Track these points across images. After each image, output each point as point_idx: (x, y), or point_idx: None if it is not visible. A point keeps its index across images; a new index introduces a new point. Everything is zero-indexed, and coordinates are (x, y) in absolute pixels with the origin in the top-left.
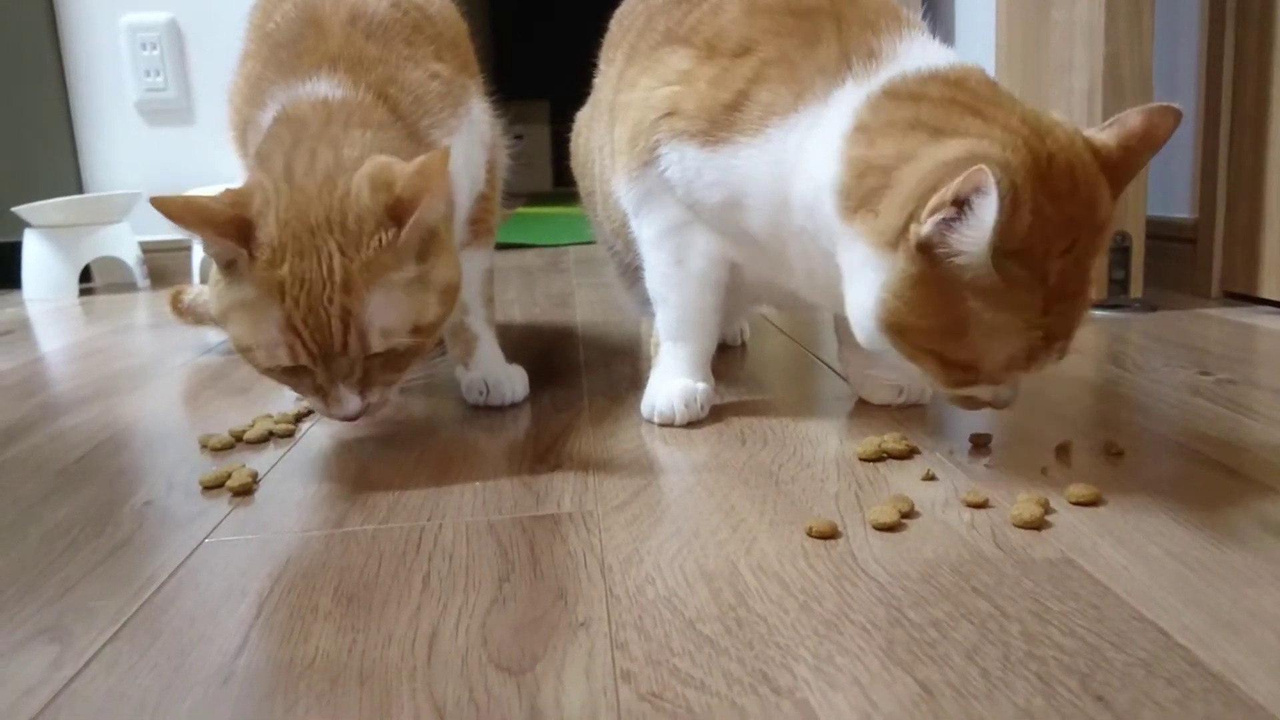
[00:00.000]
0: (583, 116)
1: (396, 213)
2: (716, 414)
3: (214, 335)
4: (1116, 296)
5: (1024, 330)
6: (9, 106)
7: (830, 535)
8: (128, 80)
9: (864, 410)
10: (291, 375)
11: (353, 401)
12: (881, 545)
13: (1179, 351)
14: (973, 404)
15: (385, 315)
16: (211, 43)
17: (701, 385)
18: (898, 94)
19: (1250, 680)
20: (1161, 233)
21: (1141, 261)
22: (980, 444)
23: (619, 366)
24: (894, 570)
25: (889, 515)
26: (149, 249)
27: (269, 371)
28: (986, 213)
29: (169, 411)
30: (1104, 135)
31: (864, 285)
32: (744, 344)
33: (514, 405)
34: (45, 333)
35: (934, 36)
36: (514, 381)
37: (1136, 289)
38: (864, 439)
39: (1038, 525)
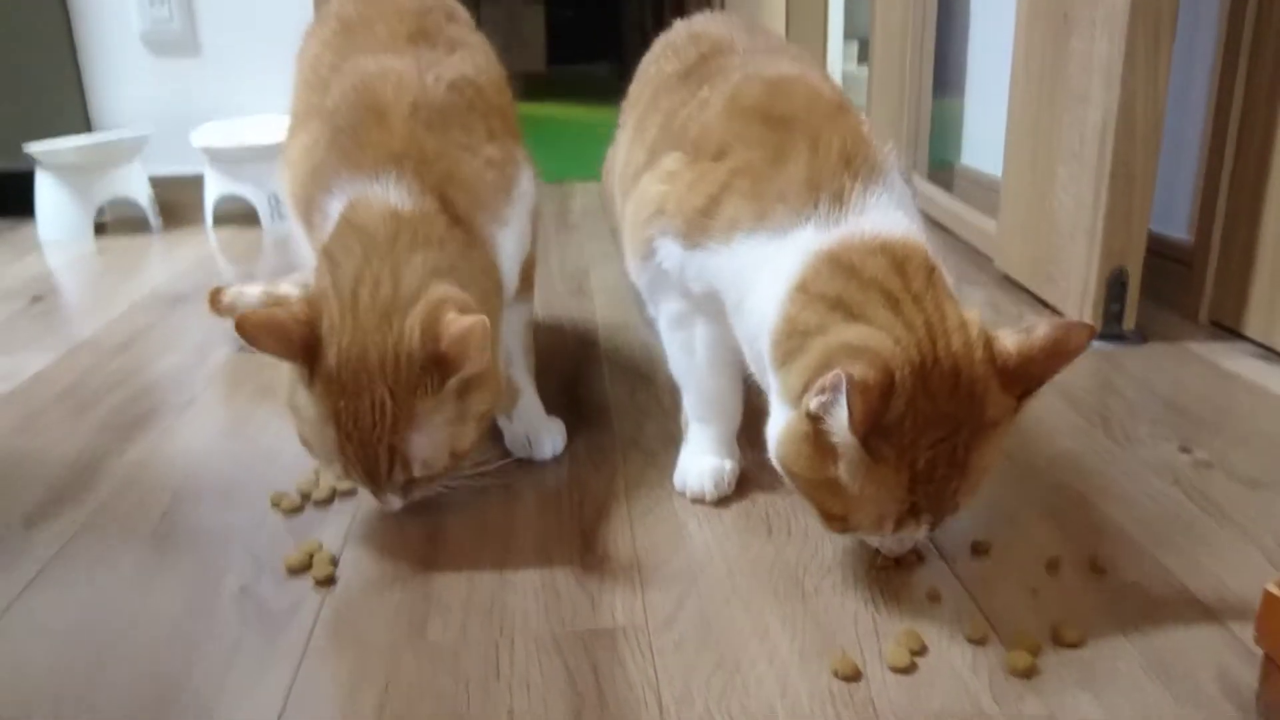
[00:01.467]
0: (610, 157)
1: (441, 366)
2: (743, 486)
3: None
4: (1112, 327)
5: (888, 502)
6: (13, 40)
7: (853, 677)
8: (132, 11)
9: None
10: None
11: (396, 504)
12: (897, 690)
13: (1162, 410)
14: (868, 544)
15: (426, 449)
16: None
17: (729, 464)
18: (840, 263)
19: None
20: (1160, 250)
21: (1137, 297)
22: (980, 550)
23: (645, 401)
24: None
25: (903, 658)
26: (158, 183)
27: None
28: (842, 409)
29: (230, 443)
30: (1009, 342)
31: (775, 422)
32: None
33: (555, 458)
34: (74, 301)
35: (897, 179)
36: (554, 436)
37: (1130, 321)
38: None
39: (1029, 674)
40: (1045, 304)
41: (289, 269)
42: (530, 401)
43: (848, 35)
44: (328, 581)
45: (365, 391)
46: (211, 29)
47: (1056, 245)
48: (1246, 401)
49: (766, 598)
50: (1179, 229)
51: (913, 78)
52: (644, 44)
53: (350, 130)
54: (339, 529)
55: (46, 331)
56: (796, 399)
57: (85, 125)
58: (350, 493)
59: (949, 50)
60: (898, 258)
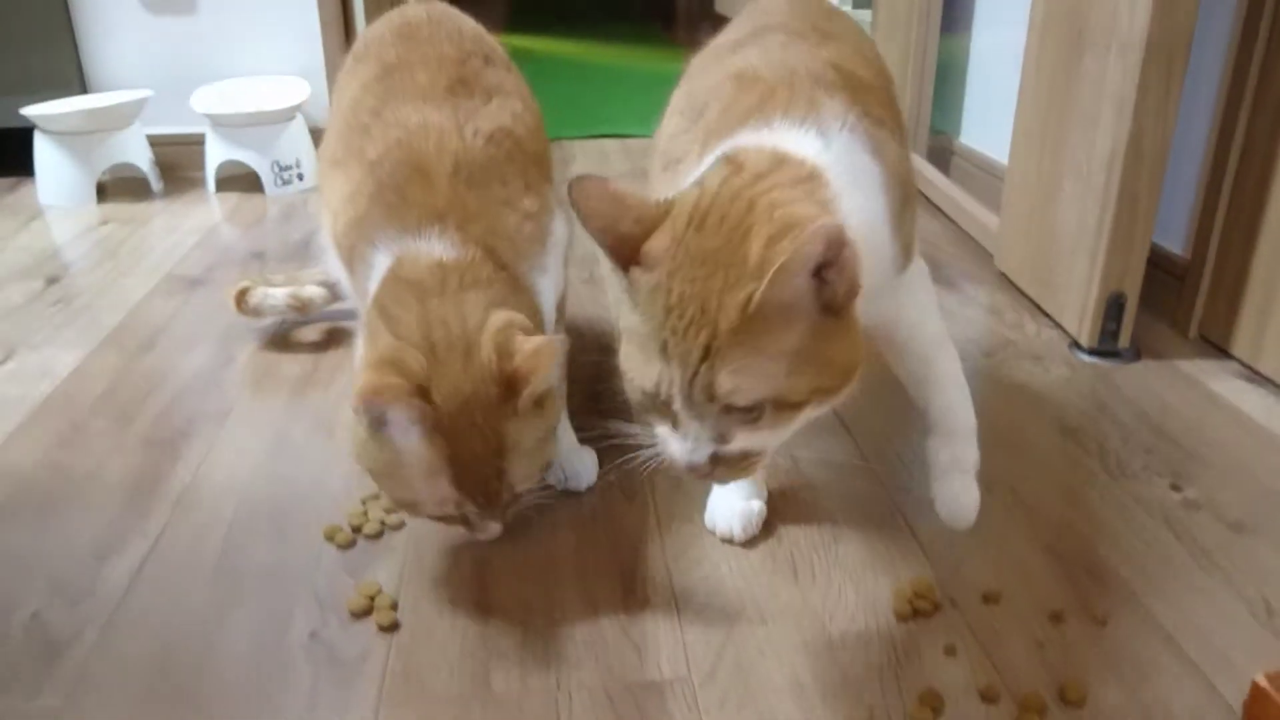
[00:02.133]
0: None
1: (515, 384)
2: (770, 523)
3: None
4: (1108, 344)
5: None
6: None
7: None
8: None
9: (886, 532)
10: (442, 518)
11: (497, 529)
12: None
13: (1154, 439)
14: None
15: (525, 466)
16: None
17: (756, 505)
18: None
19: None
20: (1156, 261)
21: (1133, 318)
22: (991, 599)
23: None
24: None
25: (926, 717)
26: (157, 142)
27: (412, 510)
28: None
29: (274, 466)
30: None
31: None
32: None
33: (589, 488)
34: (89, 284)
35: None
36: (587, 467)
37: (1125, 340)
38: (895, 582)
39: None
40: (1044, 312)
41: (295, 241)
42: (564, 431)
43: None
44: (392, 628)
45: (471, 428)
46: None
47: (1057, 258)
48: (1232, 432)
49: (798, 649)
50: (1176, 242)
51: (915, 62)
52: None
53: (394, 187)
54: (393, 566)
55: (68, 322)
56: None
57: (80, 84)
58: (398, 525)
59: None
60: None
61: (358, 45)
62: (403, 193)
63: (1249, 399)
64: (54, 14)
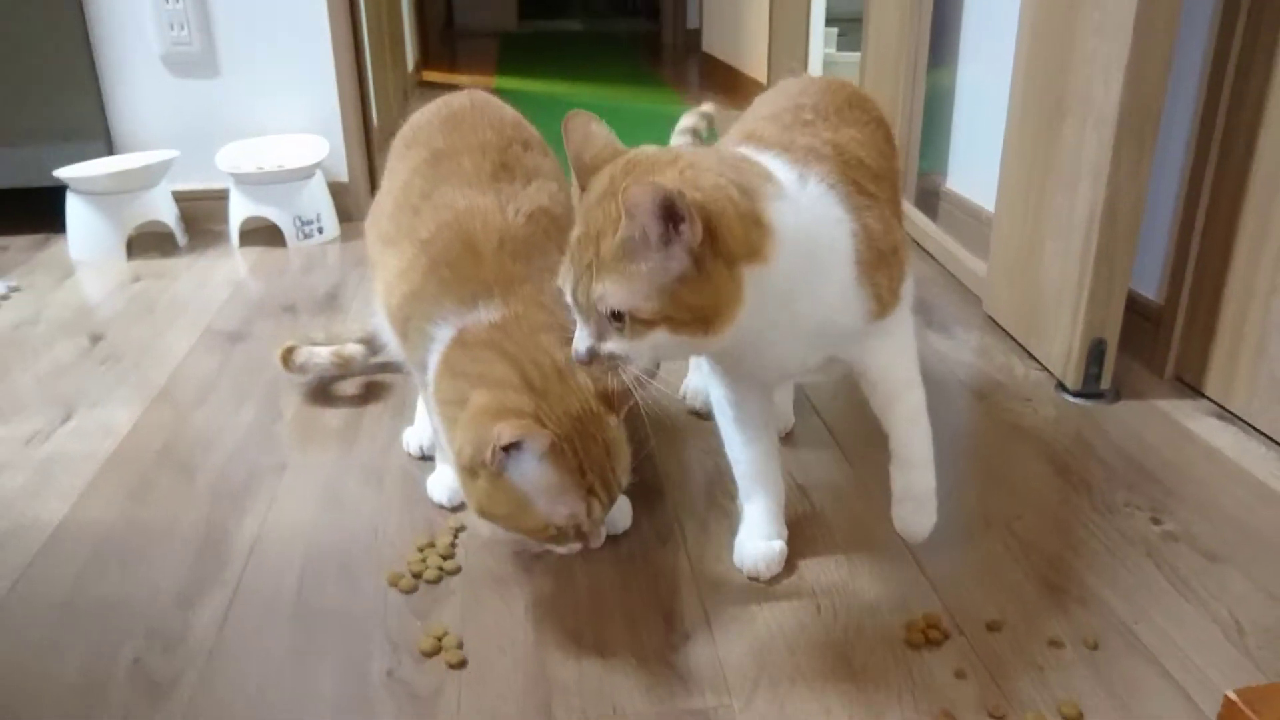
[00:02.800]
0: None
1: (610, 397)
2: (791, 561)
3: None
4: (1091, 386)
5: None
6: (38, 63)
7: None
8: (152, 35)
9: (896, 567)
10: (561, 534)
11: (604, 533)
12: None
13: (1135, 476)
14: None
15: (626, 466)
16: None
17: (778, 545)
18: None
19: None
20: (1134, 307)
21: (1113, 361)
22: (994, 628)
23: (690, 464)
24: None
25: None
26: (182, 198)
27: (539, 534)
28: None
29: (334, 516)
30: None
31: None
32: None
33: (624, 531)
34: (132, 341)
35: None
36: (624, 513)
37: (1107, 382)
38: (906, 616)
39: None
40: (1031, 355)
41: (321, 294)
42: None
43: (828, 21)
44: (460, 665)
45: (585, 440)
46: (230, 50)
47: (1042, 307)
48: (1206, 467)
49: (825, 676)
50: (1151, 290)
51: (904, 104)
52: (612, 1)
53: (447, 263)
54: (454, 608)
55: (119, 380)
56: None
57: (108, 144)
58: (455, 571)
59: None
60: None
61: (406, 132)
62: (455, 268)
63: (1221, 436)
64: (84, 80)
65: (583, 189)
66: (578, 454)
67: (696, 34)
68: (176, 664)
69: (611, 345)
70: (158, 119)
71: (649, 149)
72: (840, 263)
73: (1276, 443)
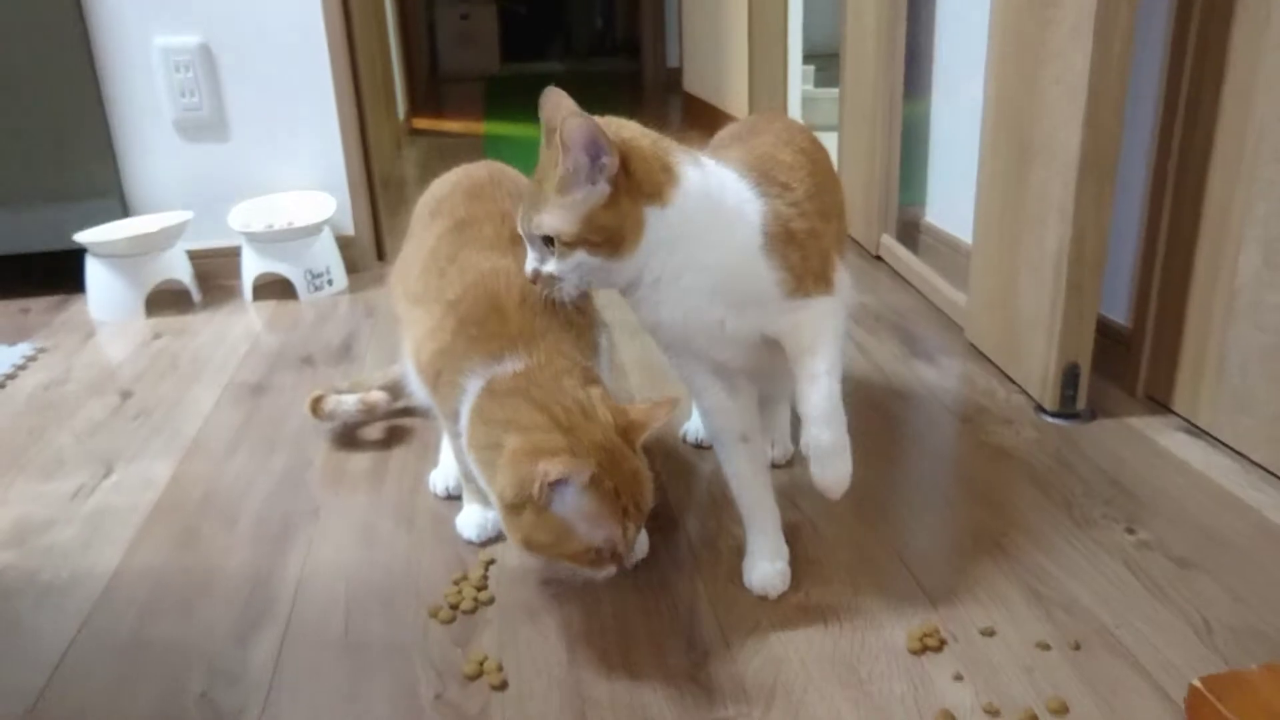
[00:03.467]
0: None
1: (630, 429)
2: (797, 581)
3: (333, 424)
4: (1068, 407)
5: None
6: (54, 128)
7: None
8: (164, 100)
9: (895, 581)
10: (599, 558)
11: (636, 555)
12: None
13: (1111, 490)
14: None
15: (650, 491)
16: (241, 65)
17: (780, 566)
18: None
19: None
20: (1106, 332)
21: (1086, 383)
22: (987, 633)
23: (699, 495)
24: None
25: None
26: (196, 256)
27: (581, 558)
28: None
29: (371, 554)
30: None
31: None
32: (790, 461)
33: (640, 560)
34: (160, 396)
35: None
36: (642, 543)
37: (1082, 402)
38: (907, 627)
39: None
40: (1012, 380)
41: (336, 345)
42: None
43: (805, 58)
44: (502, 686)
45: (615, 470)
46: (238, 114)
47: (1020, 334)
48: (1176, 480)
49: (835, 686)
50: (1121, 315)
51: (882, 141)
52: (592, 42)
53: (475, 321)
54: (491, 635)
55: (153, 434)
56: None
57: (123, 206)
58: (489, 601)
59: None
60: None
61: (430, 201)
62: (482, 325)
63: (1190, 450)
64: (98, 143)
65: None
66: (612, 481)
67: (677, 72)
68: (240, 696)
69: (549, 266)
70: (171, 181)
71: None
72: (745, 228)
73: (1240, 454)
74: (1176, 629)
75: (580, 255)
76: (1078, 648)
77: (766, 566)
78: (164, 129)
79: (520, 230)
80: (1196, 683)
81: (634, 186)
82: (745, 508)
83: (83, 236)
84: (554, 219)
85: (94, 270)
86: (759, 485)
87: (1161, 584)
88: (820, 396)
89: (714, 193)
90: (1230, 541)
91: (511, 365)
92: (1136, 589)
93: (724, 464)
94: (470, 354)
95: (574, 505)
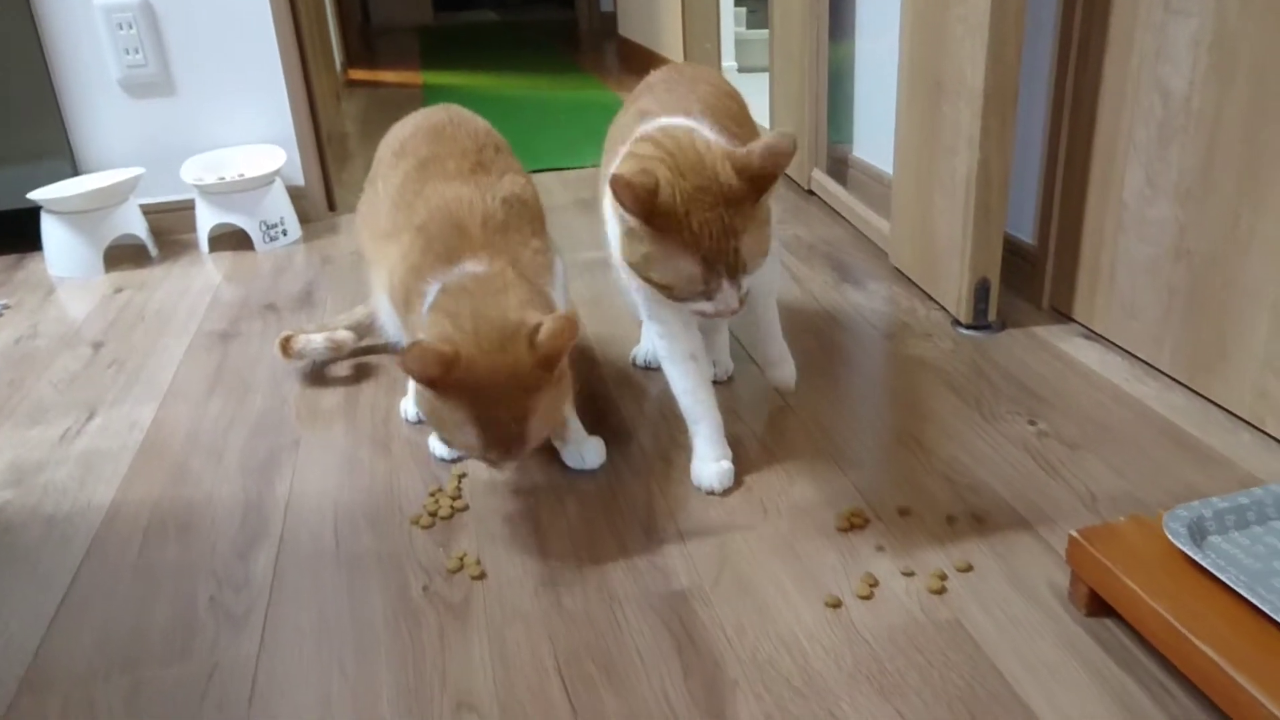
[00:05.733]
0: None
1: (547, 364)
2: (740, 477)
3: (302, 364)
4: (981, 320)
5: (686, 262)
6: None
7: (837, 606)
8: (108, 59)
9: (826, 475)
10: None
11: (510, 469)
12: (864, 610)
13: (1016, 391)
14: (702, 313)
15: (538, 429)
16: (183, 21)
17: (725, 464)
18: (643, 138)
19: (1031, 694)
20: (1014, 250)
21: (997, 296)
22: (904, 512)
23: (650, 411)
24: (874, 634)
25: (866, 591)
26: (150, 211)
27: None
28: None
29: (352, 478)
30: (747, 151)
31: (616, 246)
32: (730, 378)
33: (600, 467)
34: (133, 346)
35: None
36: (597, 450)
37: (993, 314)
38: (835, 510)
39: (940, 592)
40: (931, 298)
41: (296, 291)
42: (575, 425)
43: (737, 1)
44: (481, 576)
45: (499, 396)
46: (183, 70)
47: (937, 255)
48: (1072, 378)
49: (775, 560)
50: (1027, 234)
51: (810, 82)
52: None
53: (441, 239)
54: (468, 536)
55: (131, 381)
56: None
57: (73, 165)
58: (464, 509)
59: (838, 107)
60: (671, 132)
61: (393, 144)
62: (447, 243)
63: (1087, 353)
64: (45, 103)
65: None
66: (485, 413)
67: (612, 18)
68: (247, 599)
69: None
70: (120, 139)
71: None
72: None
73: (1129, 353)
74: (1066, 500)
75: None
76: (982, 520)
77: (712, 466)
78: (110, 87)
79: (728, 279)
80: (1074, 533)
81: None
82: (692, 416)
83: (37, 194)
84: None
85: (50, 228)
86: (704, 396)
87: (1055, 465)
88: (768, 322)
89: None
90: (1116, 428)
91: (470, 268)
92: (1034, 469)
93: (674, 381)
94: (436, 265)
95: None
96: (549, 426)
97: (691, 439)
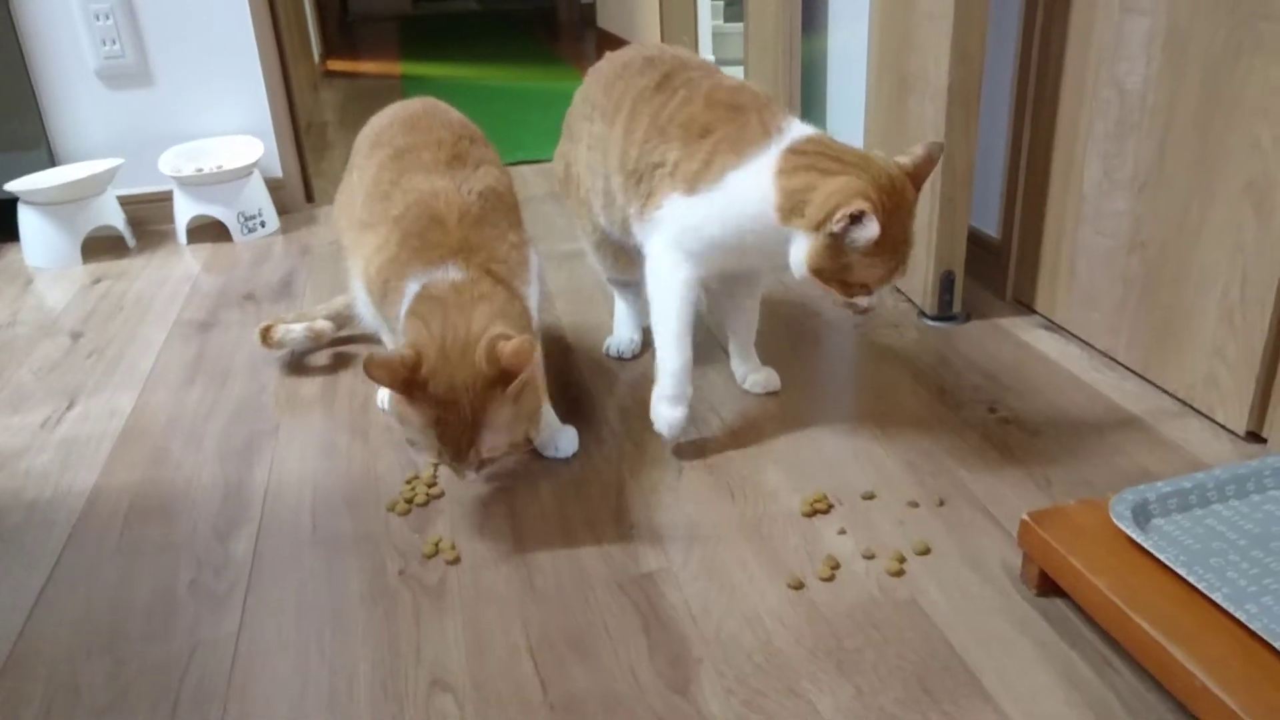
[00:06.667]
0: (564, 153)
1: (505, 378)
2: (707, 456)
3: (282, 352)
4: (945, 310)
5: (884, 264)
6: None
7: (799, 587)
8: (86, 50)
9: (792, 461)
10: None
11: (471, 476)
12: (826, 591)
13: (979, 379)
14: (856, 308)
15: (492, 440)
16: (161, 12)
17: (680, 412)
18: (797, 150)
19: (983, 668)
20: (979, 243)
21: (961, 288)
22: (868, 497)
23: (623, 398)
24: (834, 613)
25: (827, 572)
26: (127, 201)
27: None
28: (870, 229)
29: (330, 463)
30: (907, 159)
31: (799, 249)
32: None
33: (573, 455)
34: (111, 335)
35: (801, 119)
36: (571, 439)
37: (958, 305)
38: (801, 495)
39: (899, 574)
40: (898, 289)
41: (275, 281)
42: (550, 415)
43: None
44: (456, 560)
45: (455, 405)
46: (161, 61)
47: None
48: (1034, 367)
49: (741, 543)
50: (991, 227)
51: (784, 75)
52: None
53: (417, 233)
54: (444, 522)
55: (110, 369)
56: (814, 227)
57: (50, 156)
58: (439, 495)
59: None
60: (815, 141)
61: (370, 134)
62: (424, 237)
63: (1048, 343)
64: (21, 94)
65: None
66: (441, 419)
67: (591, 9)
68: (228, 580)
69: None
70: (97, 130)
71: None
72: None
73: (1087, 344)
74: (1023, 484)
75: None
76: (942, 504)
77: (667, 411)
78: (87, 78)
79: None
80: (1025, 516)
81: None
82: (669, 338)
83: (14, 185)
84: None
85: (27, 219)
86: (687, 335)
87: (1014, 450)
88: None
89: None
90: (1073, 415)
91: (446, 273)
92: (993, 455)
93: (664, 306)
94: (413, 261)
95: (866, 235)
96: (508, 439)
97: (657, 371)
